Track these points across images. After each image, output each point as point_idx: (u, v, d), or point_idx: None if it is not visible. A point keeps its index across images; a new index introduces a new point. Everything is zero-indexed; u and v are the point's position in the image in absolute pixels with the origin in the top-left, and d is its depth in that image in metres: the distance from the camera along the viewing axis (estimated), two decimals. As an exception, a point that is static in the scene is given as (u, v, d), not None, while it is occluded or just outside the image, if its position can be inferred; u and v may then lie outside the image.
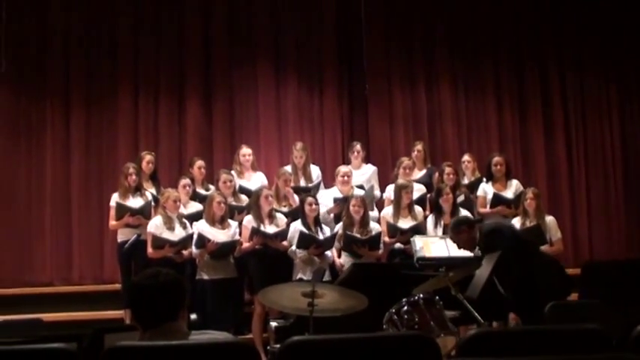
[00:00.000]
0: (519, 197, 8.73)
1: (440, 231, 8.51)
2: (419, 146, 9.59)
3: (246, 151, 9.23)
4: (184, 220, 8.29)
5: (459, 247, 6.92)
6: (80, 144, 9.97)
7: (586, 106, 11.26)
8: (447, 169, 9.06)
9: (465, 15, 11.13)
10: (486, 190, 9.09)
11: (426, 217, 8.77)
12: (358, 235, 8.26)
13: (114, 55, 10.21)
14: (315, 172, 9.34)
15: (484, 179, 9.22)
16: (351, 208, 8.31)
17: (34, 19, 10.06)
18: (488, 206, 8.97)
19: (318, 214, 8.39)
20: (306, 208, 8.27)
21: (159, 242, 8.02)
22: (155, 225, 8.11)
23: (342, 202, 8.61)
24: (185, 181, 8.72)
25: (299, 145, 9.30)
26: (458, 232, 6.63)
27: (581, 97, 11.26)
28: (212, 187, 8.92)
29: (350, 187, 8.87)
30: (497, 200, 8.90)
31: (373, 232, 8.32)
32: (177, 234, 8.13)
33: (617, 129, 11.26)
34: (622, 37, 11.33)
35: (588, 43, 11.32)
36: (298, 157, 9.16)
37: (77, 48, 10.10)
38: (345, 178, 8.88)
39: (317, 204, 8.36)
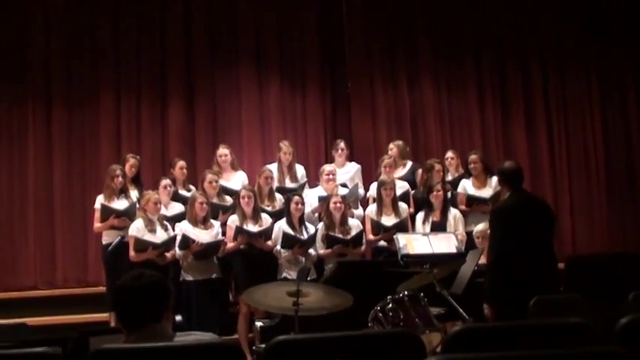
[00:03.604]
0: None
1: (428, 227, 8.51)
2: (393, 148, 9.53)
3: (222, 152, 9.15)
4: (165, 222, 8.24)
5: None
6: (62, 147, 9.92)
7: (568, 101, 11.28)
8: (437, 166, 9.02)
9: (447, 13, 11.13)
10: (466, 186, 9.07)
11: (410, 214, 8.78)
12: (341, 236, 8.27)
13: (95, 58, 10.15)
14: (300, 171, 9.32)
15: (466, 176, 9.22)
16: (331, 205, 8.30)
17: (15, 23, 10.00)
18: (465, 203, 8.98)
19: (304, 214, 8.39)
20: (292, 206, 8.25)
21: (142, 245, 7.94)
22: (137, 228, 8.02)
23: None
24: (165, 181, 8.66)
25: (287, 143, 9.29)
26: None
27: (563, 93, 11.29)
28: (193, 188, 8.87)
29: (335, 185, 8.85)
30: (471, 200, 8.87)
31: (353, 230, 8.33)
32: (159, 236, 8.06)
33: (598, 124, 11.29)
34: (603, 32, 11.36)
35: (570, 39, 11.34)
36: (288, 155, 9.12)
37: (58, 51, 10.05)
38: (330, 176, 8.87)
39: (303, 203, 8.36)
